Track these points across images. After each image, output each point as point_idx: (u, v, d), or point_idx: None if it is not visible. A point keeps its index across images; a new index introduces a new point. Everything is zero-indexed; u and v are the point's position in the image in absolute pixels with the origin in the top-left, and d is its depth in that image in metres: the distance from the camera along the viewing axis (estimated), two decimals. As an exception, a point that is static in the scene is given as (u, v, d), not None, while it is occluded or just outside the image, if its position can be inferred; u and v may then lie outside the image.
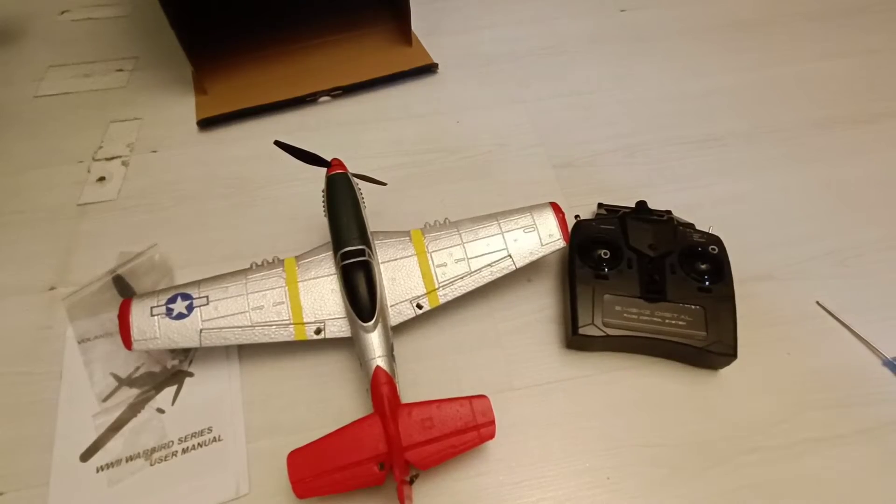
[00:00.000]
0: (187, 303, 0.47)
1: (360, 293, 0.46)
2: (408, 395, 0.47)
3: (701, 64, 0.79)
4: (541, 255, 0.50)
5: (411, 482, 0.42)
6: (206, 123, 0.71)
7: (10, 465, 0.45)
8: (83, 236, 0.60)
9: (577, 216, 0.56)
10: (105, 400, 0.47)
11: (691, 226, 0.54)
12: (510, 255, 0.50)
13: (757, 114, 0.72)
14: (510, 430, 0.46)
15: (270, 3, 0.84)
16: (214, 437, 0.46)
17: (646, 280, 0.49)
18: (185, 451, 0.45)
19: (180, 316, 0.46)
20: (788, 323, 0.52)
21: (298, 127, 0.71)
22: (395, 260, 0.50)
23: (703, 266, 0.50)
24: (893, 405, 0.48)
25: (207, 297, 0.47)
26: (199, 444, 0.45)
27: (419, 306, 0.49)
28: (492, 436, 0.42)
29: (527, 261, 0.50)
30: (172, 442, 0.45)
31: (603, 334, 0.47)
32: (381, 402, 0.41)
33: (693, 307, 0.48)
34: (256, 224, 0.61)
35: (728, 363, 0.48)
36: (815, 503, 0.43)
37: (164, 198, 0.64)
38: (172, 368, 0.49)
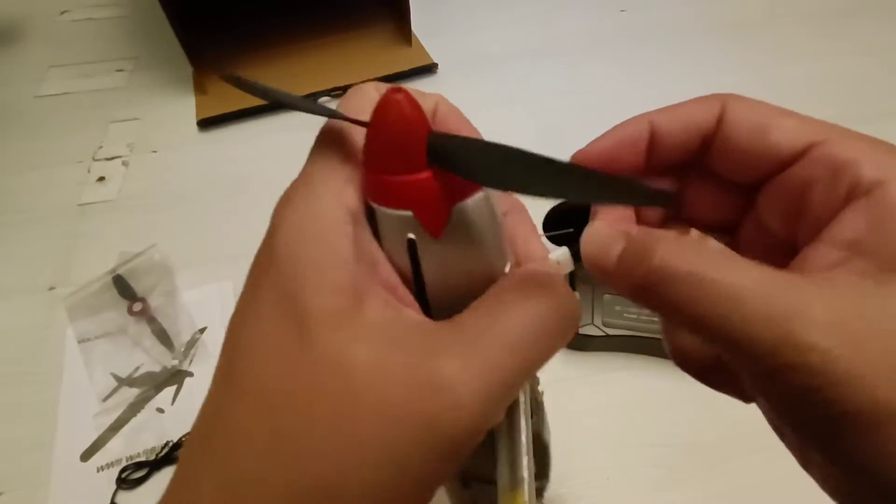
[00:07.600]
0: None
1: None
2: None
3: (701, 64, 0.79)
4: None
5: None
6: (206, 123, 0.71)
7: (10, 465, 0.45)
8: (83, 236, 0.60)
9: None
10: (105, 400, 0.47)
11: (691, 226, 0.54)
12: None
13: (757, 114, 0.72)
14: (510, 430, 0.45)
15: (270, 3, 0.84)
16: (214, 437, 0.46)
17: (646, 280, 0.49)
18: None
19: None
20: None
21: (298, 127, 0.71)
22: None
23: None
24: (894, 405, 0.47)
25: None
26: (199, 444, 0.45)
27: None
28: None
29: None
30: (172, 442, 0.45)
31: (603, 334, 0.47)
32: None
33: (693, 307, 0.48)
34: (257, 224, 0.60)
35: (728, 363, 0.48)
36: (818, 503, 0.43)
37: (164, 198, 0.64)
38: (172, 368, 0.49)
